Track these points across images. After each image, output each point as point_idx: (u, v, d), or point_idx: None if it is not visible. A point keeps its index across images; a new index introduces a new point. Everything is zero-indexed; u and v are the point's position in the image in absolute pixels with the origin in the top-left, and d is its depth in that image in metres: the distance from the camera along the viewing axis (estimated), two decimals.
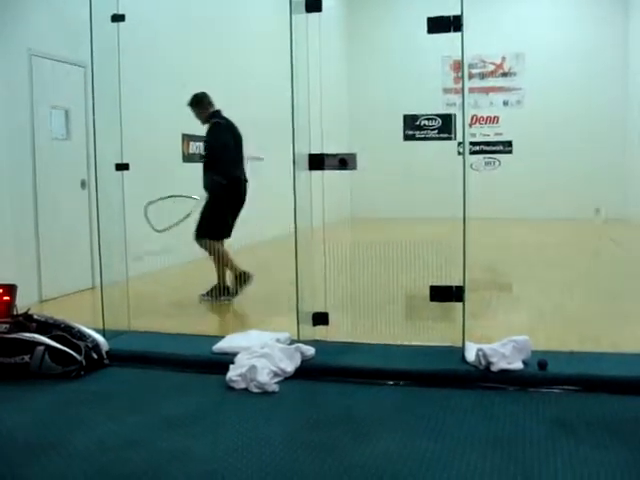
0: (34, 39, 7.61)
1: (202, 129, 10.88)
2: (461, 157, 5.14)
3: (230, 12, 11.85)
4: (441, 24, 4.90)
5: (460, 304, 5.14)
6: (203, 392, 4.59)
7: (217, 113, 7.65)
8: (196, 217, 7.49)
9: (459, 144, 5.40)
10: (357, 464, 3.44)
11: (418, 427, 3.90)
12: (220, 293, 7.41)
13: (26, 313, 5.34)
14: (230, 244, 7.69)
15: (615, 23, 17.16)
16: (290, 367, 4.79)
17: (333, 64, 15.57)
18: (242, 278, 7.42)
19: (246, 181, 7.75)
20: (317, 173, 5.48)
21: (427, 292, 5.37)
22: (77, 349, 5.00)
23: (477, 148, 15.41)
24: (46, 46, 7.75)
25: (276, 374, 4.68)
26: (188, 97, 7.69)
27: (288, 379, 4.72)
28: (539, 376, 4.58)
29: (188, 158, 10.76)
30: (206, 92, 7.70)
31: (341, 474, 3.34)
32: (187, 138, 10.73)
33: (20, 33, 7.45)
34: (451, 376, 4.70)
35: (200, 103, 7.66)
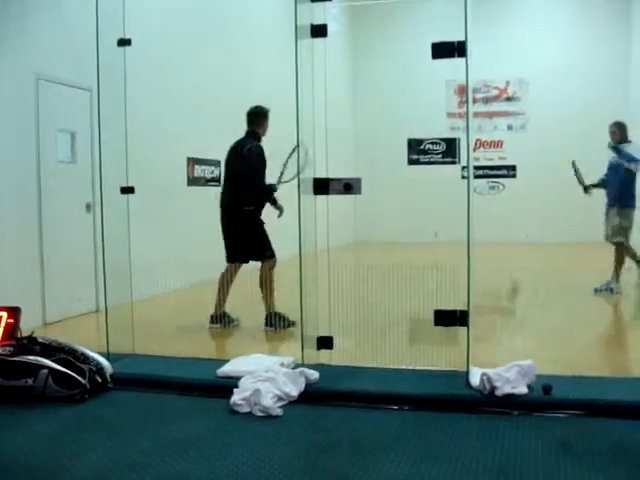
0: (41, 63, 7.67)
1: (207, 153, 10.98)
2: (465, 181, 5.14)
3: (236, 37, 11.93)
4: (445, 50, 4.92)
5: (464, 328, 5.13)
6: (207, 416, 4.58)
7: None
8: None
9: (463, 168, 5.40)
10: None
11: (423, 452, 3.88)
12: (280, 322, 7.21)
13: (30, 336, 5.34)
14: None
15: (618, 47, 17.24)
16: (294, 391, 4.78)
17: (338, 88, 15.67)
18: (218, 318, 7.39)
19: (227, 208, 7.58)
20: (322, 197, 5.49)
21: (431, 316, 5.36)
22: (81, 372, 4.99)
23: (481, 172, 15.45)
24: (53, 70, 7.81)
25: (280, 398, 4.67)
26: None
27: (292, 403, 4.70)
28: (544, 400, 4.56)
29: (193, 181, 10.79)
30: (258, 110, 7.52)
31: None
32: (192, 162, 10.78)
33: (27, 57, 7.51)
34: (455, 401, 4.69)
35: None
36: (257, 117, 7.46)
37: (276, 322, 7.13)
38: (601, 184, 9.60)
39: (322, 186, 5.42)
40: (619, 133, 9.30)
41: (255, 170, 7.33)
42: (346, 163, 15.86)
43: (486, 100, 18.06)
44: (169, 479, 3.57)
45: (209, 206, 10.76)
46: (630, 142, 9.28)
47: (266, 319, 7.27)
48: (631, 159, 9.10)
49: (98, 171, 6.18)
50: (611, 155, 9.37)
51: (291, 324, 6.90)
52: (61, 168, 8.08)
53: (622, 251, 9.22)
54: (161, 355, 5.99)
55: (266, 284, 7.33)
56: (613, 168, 9.37)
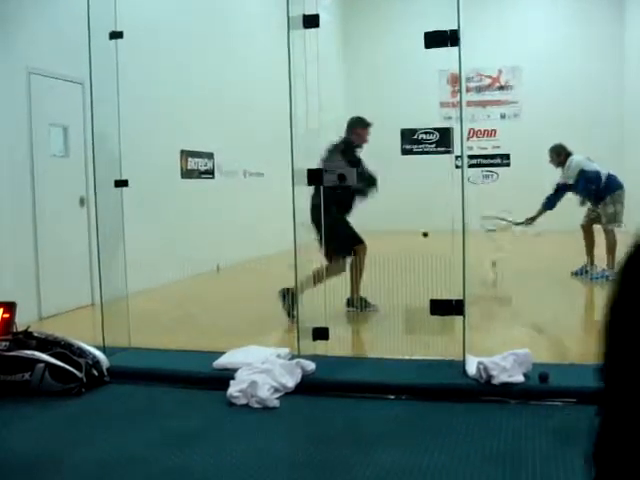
0: (32, 57, 7.63)
1: (200, 146, 10.98)
2: (459, 170, 5.14)
3: (229, 29, 11.90)
4: (438, 39, 4.91)
5: (460, 317, 5.14)
6: (204, 408, 4.58)
7: None
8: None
9: (457, 157, 5.40)
10: (360, 479, 3.43)
11: (420, 441, 3.89)
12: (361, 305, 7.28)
13: (26, 331, 5.33)
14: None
15: (611, 34, 17.22)
16: (291, 382, 4.79)
17: (330, 79, 15.65)
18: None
19: None
20: None
21: (427, 306, 5.36)
22: (77, 366, 4.99)
23: (475, 161, 15.46)
24: (44, 64, 7.77)
25: (277, 389, 4.68)
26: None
27: (289, 394, 4.71)
28: (540, 389, 4.57)
29: (186, 174, 10.78)
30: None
31: None
32: (185, 154, 10.76)
33: (18, 51, 7.47)
34: (452, 390, 4.70)
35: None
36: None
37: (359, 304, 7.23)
38: (542, 208, 9.85)
39: (316, 177, 5.42)
40: (556, 157, 9.64)
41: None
42: None
43: (479, 89, 18.05)
44: (167, 471, 3.57)
45: (204, 198, 10.79)
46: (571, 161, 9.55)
47: (348, 300, 7.31)
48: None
49: (91, 165, 6.17)
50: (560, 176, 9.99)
51: (371, 307, 7.03)
52: (54, 162, 8.05)
53: (614, 237, 9.32)
54: (157, 348, 5.99)
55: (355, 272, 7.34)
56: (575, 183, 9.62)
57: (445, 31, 4.90)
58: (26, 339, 5.19)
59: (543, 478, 3.39)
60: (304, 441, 3.95)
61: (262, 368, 4.81)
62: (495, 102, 18.20)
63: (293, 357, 5.23)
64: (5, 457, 3.83)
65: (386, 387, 4.76)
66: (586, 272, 9.35)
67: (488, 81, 18.20)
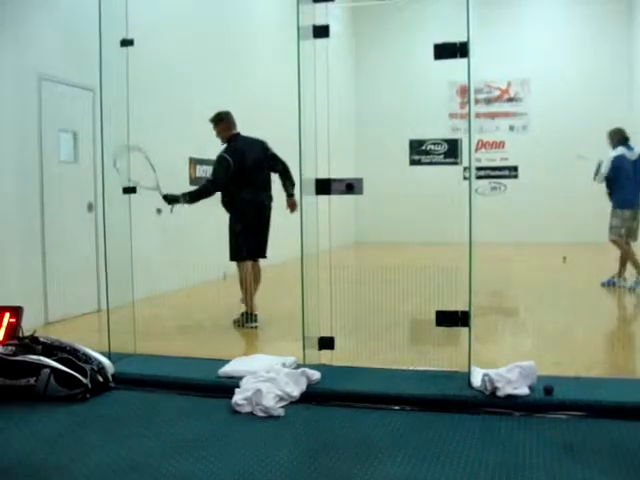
0: (43, 63, 7.68)
1: (210, 153, 10.99)
2: (467, 182, 5.14)
3: (239, 37, 11.93)
4: (448, 50, 4.92)
5: (466, 329, 5.13)
6: (208, 416, 4.58)
7: (234, 137, 7.66)
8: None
9: (465, 169, 5.40)
10: None
11: (424, 452, 3.88)
12: (247, 320, 7.45)
13: (32, 335, 5.35)
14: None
15: (619, 48, 17.23)
16: (296, 391, 4.78)
17: (340, 89, 15.68)
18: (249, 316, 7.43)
19: (264, 203, 7.69)
20: (324, 197, 5.49)
21: (433, 317, 5.36)
22: (83, 372, 4.99)
23: (483, 173, 15.46)
24: (55, 70, 7.81)
25: (282, 398, 4.67)
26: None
27: (294, 403, 4.70)
28: (545, 401, 4.56)
29: (195, 181, 10.79)
30: (229, 112, 7.73)
31: None
32: (194, 162, 10.78)
33: (30, 57, 7.51)
34: (457, 401, 4.69)
35: (220, 122, 7.71)
36: None
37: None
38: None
39: (324, 186, 5.42)
40: (611, 140, 9.85)
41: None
42: (348, 163, 15.90)
43: (488, 101, 18.06)
44: (170, 479, 3.57)
45: (211, 206, 10.79)
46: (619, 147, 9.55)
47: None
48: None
49: (100, 171, 6.19)
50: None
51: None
52: (63, 168, 8.09)
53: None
54: (163, 355, 5.99)
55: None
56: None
57: (455, 43, 4.91)
58: (32, 344, 5.20)
59: None
60: (308, 451, 3.95)
61: (267, 377, 4.81)
62: (504, 114, 18.22)
63: (298, 366, 5.23)
64: (9, 462, 3.83)
65: (391, 398, 4.75)
66: (613, 284, 9.44)
67: (497, 93, 18.22)
